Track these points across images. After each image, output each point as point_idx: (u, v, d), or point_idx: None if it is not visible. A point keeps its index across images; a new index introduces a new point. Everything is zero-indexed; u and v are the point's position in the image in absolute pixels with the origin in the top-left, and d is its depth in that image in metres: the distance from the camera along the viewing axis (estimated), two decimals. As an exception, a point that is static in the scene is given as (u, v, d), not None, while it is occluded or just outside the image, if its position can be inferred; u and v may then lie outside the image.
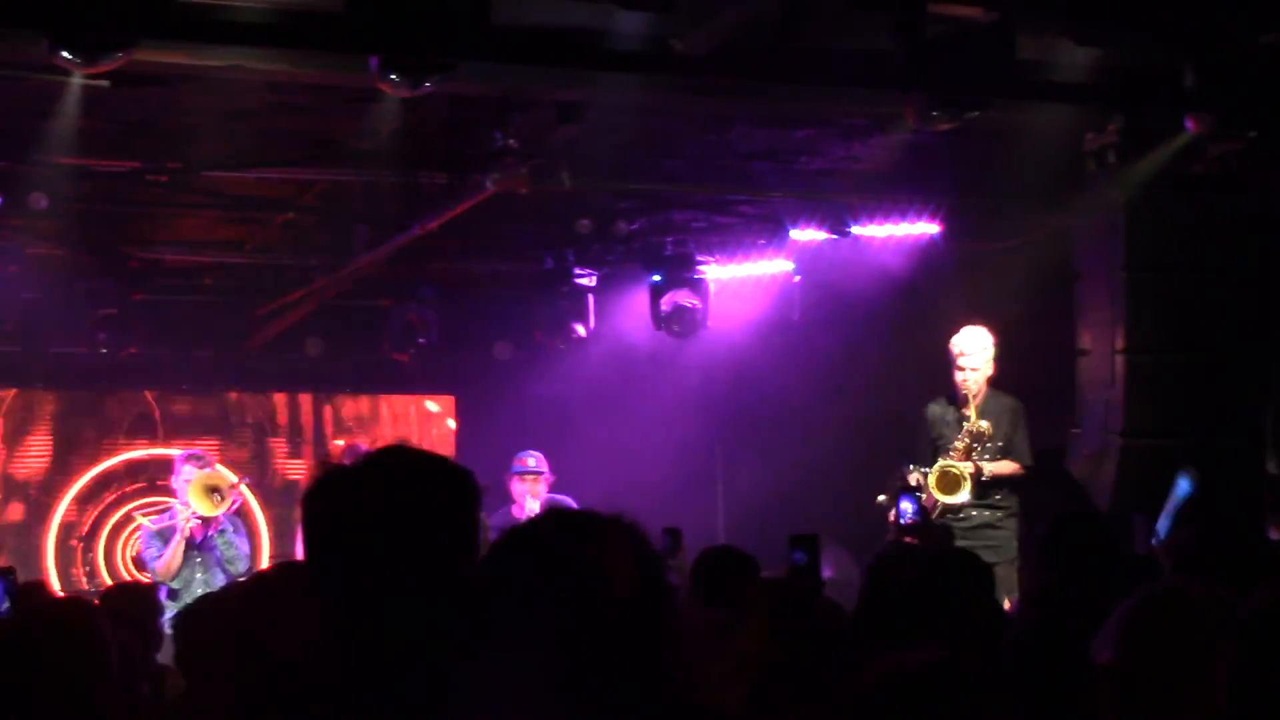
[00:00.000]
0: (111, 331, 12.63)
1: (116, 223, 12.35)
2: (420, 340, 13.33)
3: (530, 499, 11.68)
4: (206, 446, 13.69)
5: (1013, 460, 10.20)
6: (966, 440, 10.17)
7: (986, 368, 10.36)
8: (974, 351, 10.38)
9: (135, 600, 7.77)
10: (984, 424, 10.20)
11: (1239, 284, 10.08)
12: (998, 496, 10.16)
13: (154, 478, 13.95)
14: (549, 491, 11.86)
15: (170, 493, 11.64)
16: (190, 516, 11.01)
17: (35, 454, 14.42)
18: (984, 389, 10.40)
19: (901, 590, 5.03)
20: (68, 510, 14.34)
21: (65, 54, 7.01)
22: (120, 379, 14.26)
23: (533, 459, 11.92)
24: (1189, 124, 8.90)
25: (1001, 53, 8.00)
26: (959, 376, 10.36)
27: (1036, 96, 8.95)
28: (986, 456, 10.15)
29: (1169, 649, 3.28)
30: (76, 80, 8.38)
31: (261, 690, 3.00)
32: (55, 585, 13.36)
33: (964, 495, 10.06)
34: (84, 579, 14.19)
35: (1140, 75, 8.94)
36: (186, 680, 5.41)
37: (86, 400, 14.58)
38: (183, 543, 10.94)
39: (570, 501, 11.61)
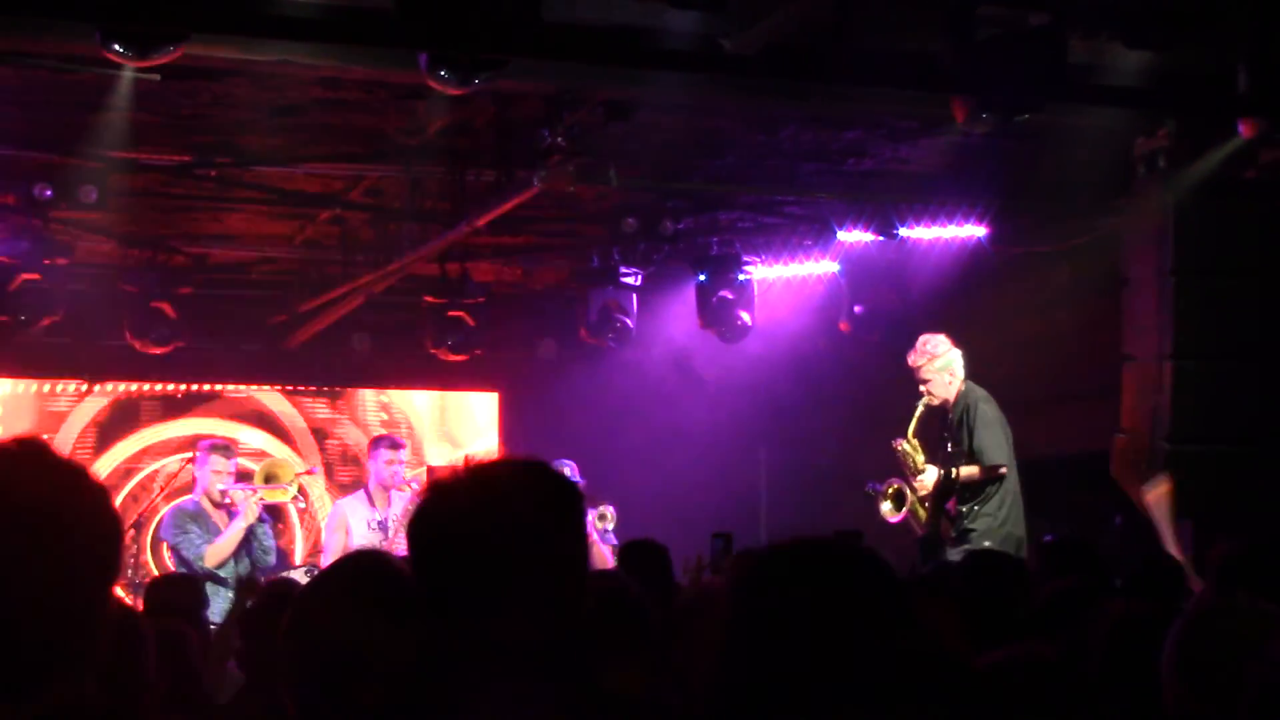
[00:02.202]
0: (159, 325, 12.67)
1: (165, 217, 12.40)
2: (466, 337, 13.34)
3: None
4: (250, 441, 13.78)
5: (979, 463, 10.29)
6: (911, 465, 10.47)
7: (939, 379, 10.41)
8: (918, 366, 10.51)
9: (182, 590, 7.78)
10: (906, 446, 10.33)
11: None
12: (973, 503, 10.30)
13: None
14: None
15: (194, 481, 11.55)
16: (258, 503, 10.95)
17: (82, 447, 14.50)
18: (952, 399, 10.45)
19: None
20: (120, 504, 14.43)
21: (117, 48, 7.04)
22: (168, 373, 14.33)
23: (569, 468, 11.88)
24: (1242, 129, 8.84)
25: (1052, 56, 7.96)
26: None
27: (1087, 100, 8.90)
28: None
29: (1218, 667, 3.22)
30: (128, 74, 8.41)
31: (324, 689, 2.99)
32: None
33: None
34: (129, 570, 14.27)
35: (1193, 79, 8.89)
36: (247, 675, 5.40)
37: (134, 393, 14.67)
38: (243, 530, 10.83)
39: (593, 517, 11.75)
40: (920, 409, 10.62)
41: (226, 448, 11.41)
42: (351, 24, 7.71)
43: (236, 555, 10.87)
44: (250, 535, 10.92)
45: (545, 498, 2.75)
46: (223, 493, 10.99)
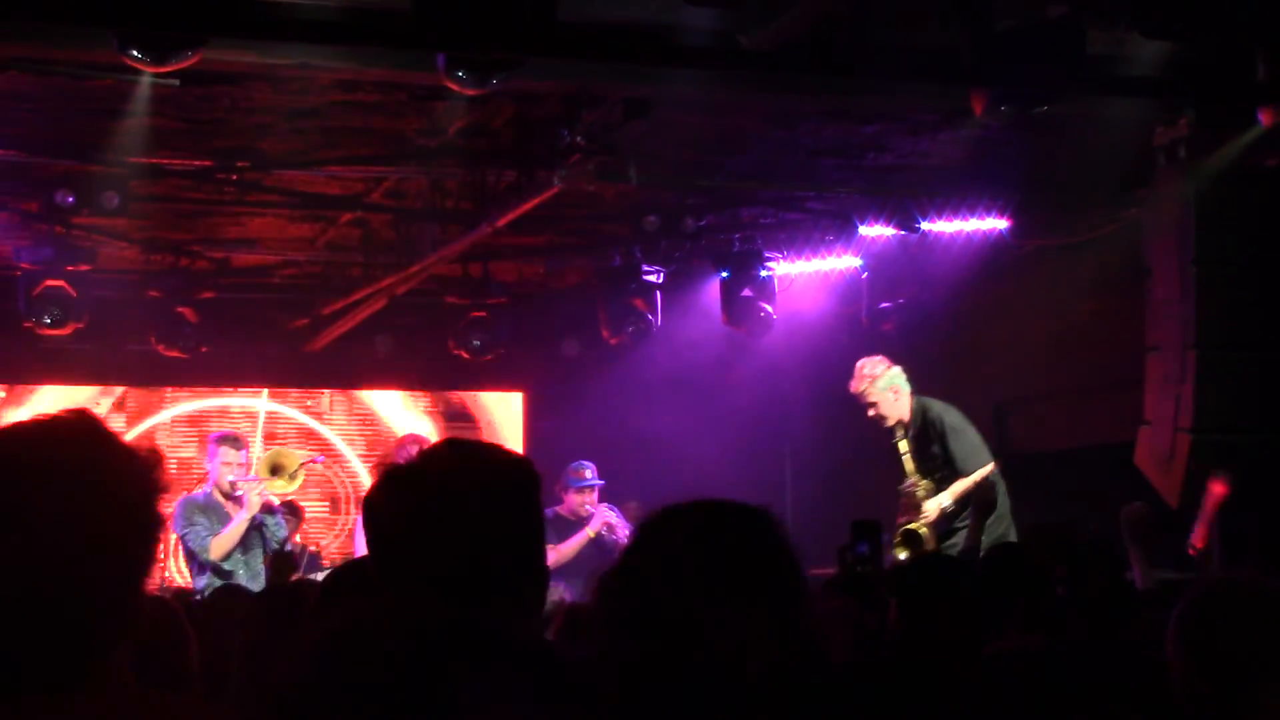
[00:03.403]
0: (182, 329, 12.71)
1: (186, 221, 12.44)
2: (488, 337, 13.36)
3: (589, 508, 11.85)
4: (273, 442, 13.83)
5: (962, 476, 10.28)
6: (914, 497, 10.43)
7: (885, 399, 10.41)
8: (860, 391, 10.52)
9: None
10: (917, 486, 10.34)
11: (1311, 279, 9.98)
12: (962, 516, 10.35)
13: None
14: (599, 501, 12.03)
15: (206, 475, 11.42)
16: (261, 494, 10.87)
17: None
18: (905, 416, 10.44)
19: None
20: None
21: (135, 53, 7.06)
22: (191, 376, 14.38)
23: (589, 470, 11.96)
24: (1262, 117, 8.82)
25: (1071, 47, 7.95)
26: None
27: (1106, 91, 8.87)
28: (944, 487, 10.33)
29: (1225, 643, 3.20)
30: (146, 80, 8.44)
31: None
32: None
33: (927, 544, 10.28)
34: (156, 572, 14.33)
35: (1211, 68, 8.86)
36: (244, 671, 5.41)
37: (156, 397, 14.74)
38: (248, 522, 10.77)
39: (618, 514, 11.75)
40: (903, 447, 10.60)
41: (236, 439, 11.31)
42: (369, 26, 7.73)
43: (247, 548, 10.85)
44: (260, 527, 10.85)
45: (497, 479, 2.77)
46: (233, 484, 10.92)
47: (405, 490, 2.76)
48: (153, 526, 2.09)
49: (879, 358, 10.72)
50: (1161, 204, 9.96)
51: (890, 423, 10.61)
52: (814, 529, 11.75)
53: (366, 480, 14.49)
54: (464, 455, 2.83)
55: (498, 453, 2.88)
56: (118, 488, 2.04)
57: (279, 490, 11.08)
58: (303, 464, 11.45)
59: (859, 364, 10.72)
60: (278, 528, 10.96)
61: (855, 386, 10.69)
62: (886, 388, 10.57)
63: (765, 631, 2.42)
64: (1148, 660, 3.52)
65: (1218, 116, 9.51)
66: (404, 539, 2.72)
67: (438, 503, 2.70)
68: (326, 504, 15.04)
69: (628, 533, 11.41)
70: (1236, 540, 9.76)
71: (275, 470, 11.13)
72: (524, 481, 2.81)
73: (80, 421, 2.10)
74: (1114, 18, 8.21)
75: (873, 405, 10.63)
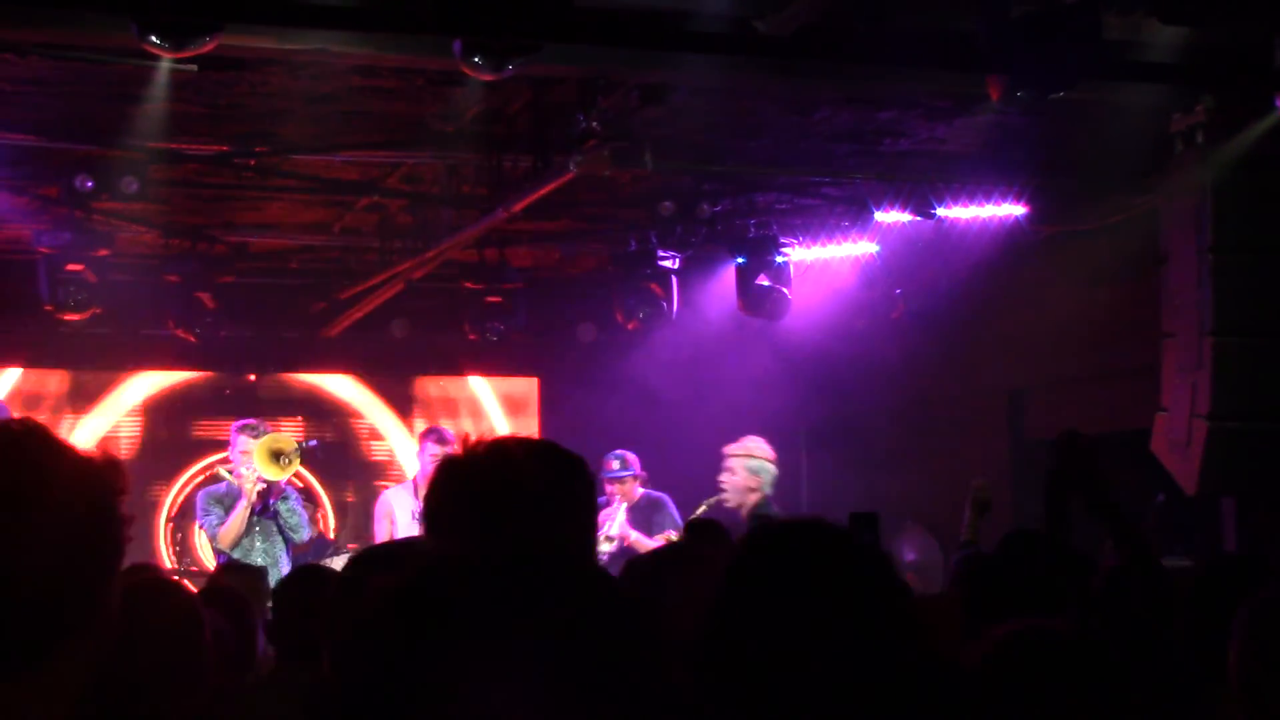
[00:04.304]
0: (199, 314, 12.74)
1: (205, 206, 12.48)
2: (504, 322, 13.37)
3: (620, 500, 11.61)
4: (292, 428, 13.86)
5: None
6: None
7: (742, 479, 10.58)
8: (730, 453, 10.70)
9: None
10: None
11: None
12: None
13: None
14: (643, 489, 11.80)
15: (227, 462, 11.53)
16: (256, 482, 10.91)
17: (126, 434, 14.62)
18: (742, 507, 10.50)
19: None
20: (160, 491, 14.54)
21: (153, 39, 7.08)
22: (208, 361, 14.43)
23: (617, 461, 11.71)
24: (1279, 103, 8.82)
25: (1087, 33, 7.93)
26: None
27: (1123, 77, 8.86)
28: None
29: None
30: (165, 65, 8.47)
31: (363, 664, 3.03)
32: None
33: None
34: (175, 558, 14.37)
35: (1229, 54, 8.85)
36: (279, 651, 5.47)
37: (175, 382, 14.79)
38: (248, 509, 10.83)
39: (666, 499, 11.63)
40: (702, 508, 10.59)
41: (254, 427, 11.33)
42: (386, 11, 7.75)
43: (266, 535, 10.88)
44: (271, 514, 10.89)
45: (558, 468, 2.82)
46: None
47: (465, 480, 2.81)
48: (105, 526, 2.13)
49: (765, 444, 10.67)
50: (1178, 190, 9.95)
51: (729, 502, 10.52)
52: (835, 511, 11.80)
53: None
54: (523, 447, 2.88)
55: (555, 447, 2.93)
56: (66, 491, 2.08)
57: (273, 476, 11.04)
58: (299, 448, 11.42)
59: (747, 437, 10.66)
60: (291, 514, 10.98)
61: (729, 449, 10.66)
62: (753, 471, 10.50)
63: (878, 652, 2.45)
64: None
65: (1235, 103, 9.49)
66: (462, 528, 2.76)
67: (498, 492, 2.74)
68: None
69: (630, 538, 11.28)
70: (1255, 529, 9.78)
71: (273, 456, 11.11)
72: (581, 475, 2.86)
73: (29, 429, 2.15)
74: (1131, 3, 8.20)
75: (729, 471, 10.56)
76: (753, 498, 10.51)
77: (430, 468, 11.33)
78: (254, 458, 11.01)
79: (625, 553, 11.22)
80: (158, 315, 12.83)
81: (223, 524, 10.81)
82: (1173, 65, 8.67)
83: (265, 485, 10.98)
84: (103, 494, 2.12)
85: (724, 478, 10.67)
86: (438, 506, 2.86)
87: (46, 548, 2.02)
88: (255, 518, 10.94)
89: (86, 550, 2.08)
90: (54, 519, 2.03)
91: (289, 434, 11.91)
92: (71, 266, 11.60)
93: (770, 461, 10.67)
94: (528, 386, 15.89)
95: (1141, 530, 5.61)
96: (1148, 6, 8.17)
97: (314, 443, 12.53)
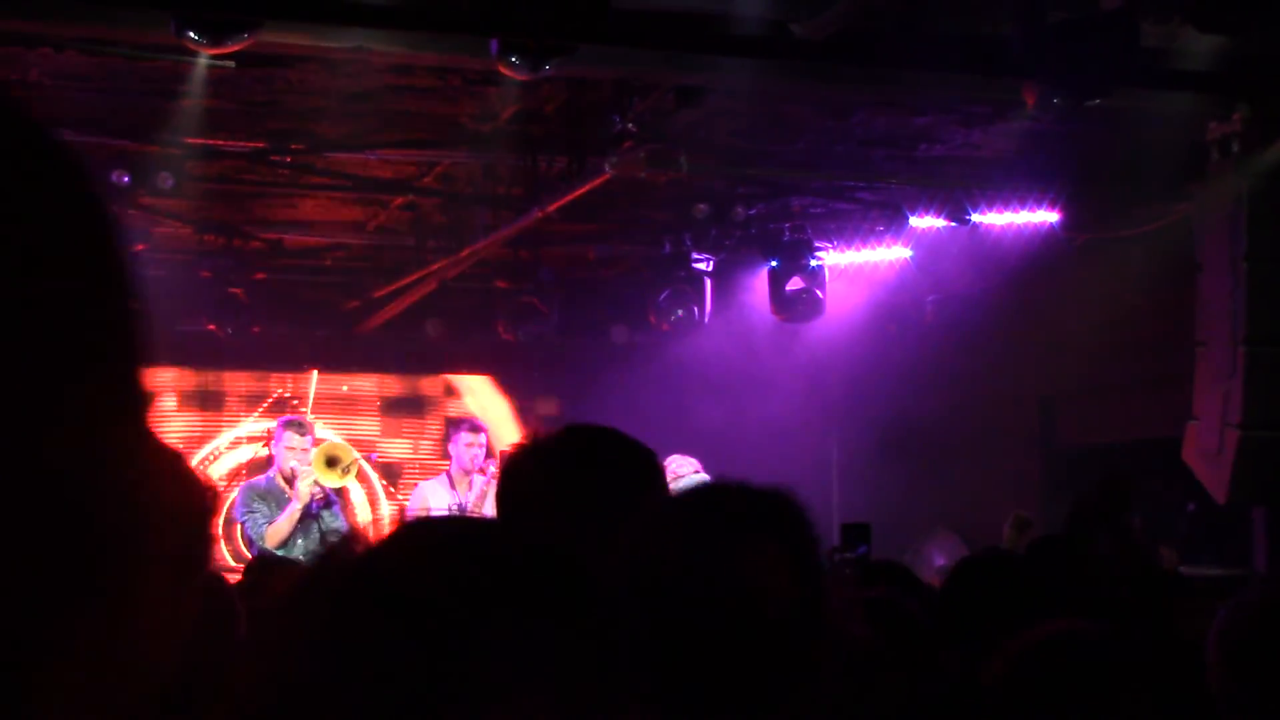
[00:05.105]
0: (234, 310, 12.79)
1: (240, 203, 12.53)
2: (537, 322, 13.39)
3: None
4: (327, 422, 13.90)
5: None
6: None
7: None
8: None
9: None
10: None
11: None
12: None
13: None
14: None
15: (270, 459, 11.42)
16: (314, 484, 10.82)
17: (160, 430, 14.68)
18: None
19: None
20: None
21: (192, 35, 7.13)
22: (242, 357, 14.48)
23: (674, 464, 11.39)
24: (1315, 113, 8.81)
25: (1124, 40, 7.93)
26: None
27: (1159, 85, 8.85)
28: None
29: (1262, 652, 3.14)
30: (202, 61, 8.51)
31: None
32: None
33: None
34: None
35: (1265, 63, 8.82)
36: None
37: (210, 378, 14.84)
38: (299, 511, 10.72)
39: (695, 463, 11.31)
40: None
41: (301, 424, 11.29)
42: (423, 10, 7.78)
43: (307, 535, 10.85)
44: (314, 518, 10.78)
45: (632, 457, 2.86)
46: (293, 470, 10.87)
47: (546, 463, 2.84)
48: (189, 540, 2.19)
49: (689, 458, 10.61)
50: (1213, 199, 9.92)
51: None
52: (865, 516, 11.83)
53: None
54: (599, 435, 2.97)
55: (623, 436, 2.97)
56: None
57: (331, 483, 11.03)
58: (356, 459, 11.40)
59: (669, 458, 10.55)
60: (333, 519, 10.90)
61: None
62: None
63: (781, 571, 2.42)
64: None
65: (1271, 112, 9.46)
66: (539, 510, 2.79)
67: (573, 476, 2.78)
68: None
69: None
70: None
71: (330, 463, 11.11)
72: (650, 461, 2.92)
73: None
74: (1168, 11, 8.18)
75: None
76: None
77: (464, 458, 11.38)
78: (315, 461, 10.95)
79: None
80: (192, 311, 12.88)
81: (270, 522, 10.74)
82: (1209, 73, 8.66)
83: (321, 491, 10.90)
84: (193, 511, 2.17)
85: None
86: (505, 493, 2.88)
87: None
88: (302, 522, 10.79)
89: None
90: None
91: (345, 443, 11.81)
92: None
93: (698, 472, 10.60)
94: (560, 387, 15.90)
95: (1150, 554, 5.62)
96: (1184, 14, 8.15)
97: (374, 455, 12.50)
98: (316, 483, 10.85)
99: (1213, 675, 3.19)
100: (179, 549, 2.19)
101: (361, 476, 12.89)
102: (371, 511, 14.30)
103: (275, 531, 10.67)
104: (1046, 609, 4.47)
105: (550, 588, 1.36)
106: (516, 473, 2.88)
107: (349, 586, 1.36)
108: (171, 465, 2.20)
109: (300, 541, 10.77)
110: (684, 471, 10.43)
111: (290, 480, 10.90)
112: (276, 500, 10.86)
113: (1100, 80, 8.08)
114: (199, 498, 2.25)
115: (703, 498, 2.64)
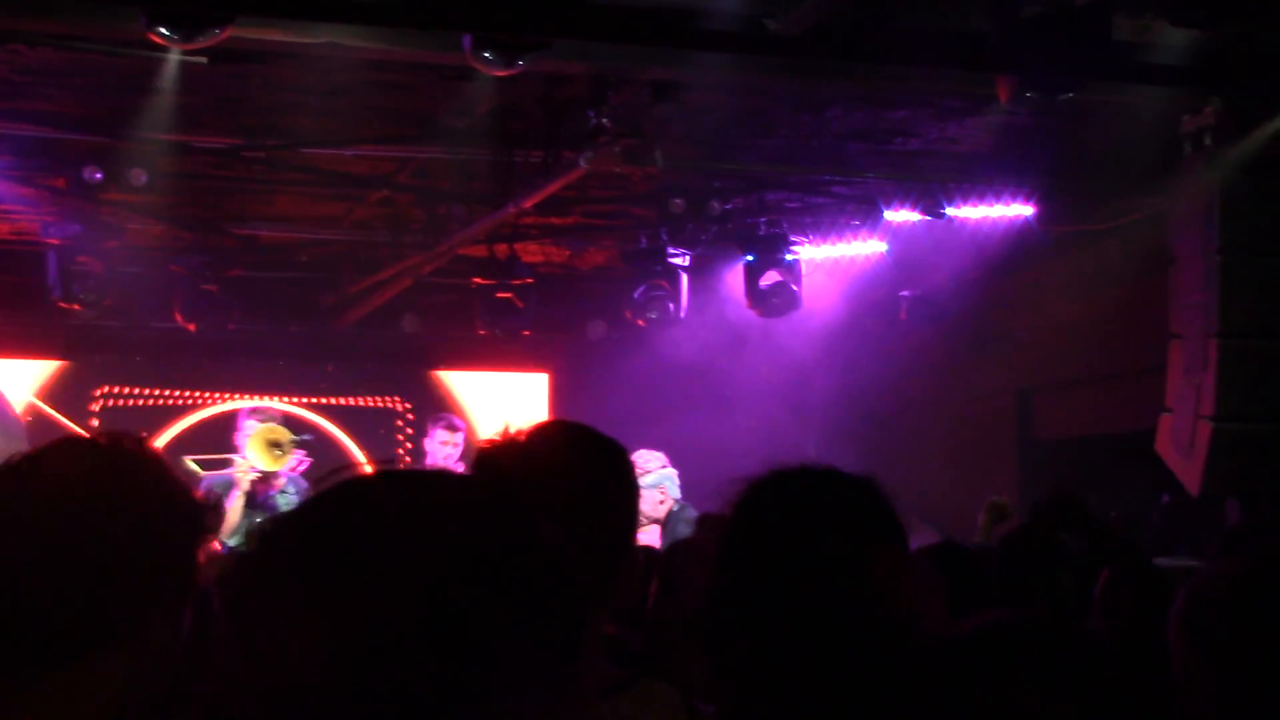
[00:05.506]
0: (209, 307, 12.74)
1: (214, 199, 12.49)
2: (514, 318, 13.39)
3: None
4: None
5: None
6: None
7: (648, 497, 10.26)
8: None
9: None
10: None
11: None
12: None
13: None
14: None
15: (234, 448, 11.18)
16: (249, 470, 10.71)
17: (134, 426, 14.63)
18: (659, 520, 10.37)
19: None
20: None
21: (163, 30, 7.11)
22: (217, 354, 14.45)
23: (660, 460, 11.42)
24: (1287, 106, 8.84)
25: (1098, 34, 7.94)
26: None
27: (1132, 79, 8.86)
28: None
29: (1218, 628, 3.11)
30: (174, 57, 8.47)
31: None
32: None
33: None
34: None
35: (1238, 57, 8.85)
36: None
37: (185, 373, 14.81)
38: (242, 498, 10.58)
39: (662, 457, 11.34)
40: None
41: (264, 411, 11.19)
42: (397, 6, 7.76)
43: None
44: (270, 506, 10.58)
45: (604, 454, 2.87)
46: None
47: (509, 463, 2.85)
48: (173, 559, 2.20)
49: (656, 453, 10.59)
50: (1187, 192, 9.95)
51: (643, 521, 10.36)
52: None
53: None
54: (573, 432, 2.95)
55: (595, 432, 2.98)
56: (148, 518, 2.16)
57: (267, 466, 10.85)
58: (294, 440, 11.21)
59: (635, 454, 10.51)
60: (290, 506, 10.62)
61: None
62: (653, 484, 10.41)
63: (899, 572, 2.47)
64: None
65: (1244, 105, 9.50)
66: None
67: (546, 472, 2.79)
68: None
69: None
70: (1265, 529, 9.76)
71: (269, 446, 10.97)
72: (622, 458, 2.93)
73: (143, 451, 2.23)
74: (1141, 5, 8.21)
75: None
76: (663, 509, 10.44)
77: (441, 455, 11.36)
78: (249, 448, 10.84)
79: None
80: (167, 308, 12.85)
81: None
82: (1182, 67, 8.67)
83: (260, 475, 10.77)
84: (182, 528, 2.19)
85: None
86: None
87: (104, 563, 2.08)
88: (253, 510, 10.63)
89: (143, 575, 2.13)
90: (124, 540, 2.10)
91: (282, 426, 11.62)
92: (81, 259, 11.61)
93: (664, 467, 10.59)
94: (537, 383, 15.90)
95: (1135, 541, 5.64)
96: (1157, 8, 8.17)
97: (311, 436, 12.24)
98: (254, 468, 10.73)
99: (1175, 660, 3.19)
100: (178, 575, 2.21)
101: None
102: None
103: (226, 524, 10.54)
104: (994, 601, 4.49)
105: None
106: (490, 469, 2.89)
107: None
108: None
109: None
110: (651, 466, 10.43)
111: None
112: (228, 491, 10.71)
113: (1073, 74, 8.09)
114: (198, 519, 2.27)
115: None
